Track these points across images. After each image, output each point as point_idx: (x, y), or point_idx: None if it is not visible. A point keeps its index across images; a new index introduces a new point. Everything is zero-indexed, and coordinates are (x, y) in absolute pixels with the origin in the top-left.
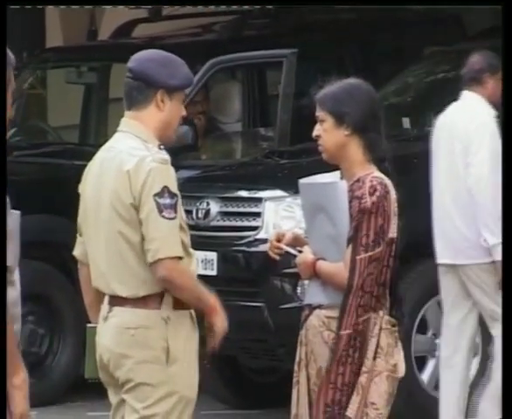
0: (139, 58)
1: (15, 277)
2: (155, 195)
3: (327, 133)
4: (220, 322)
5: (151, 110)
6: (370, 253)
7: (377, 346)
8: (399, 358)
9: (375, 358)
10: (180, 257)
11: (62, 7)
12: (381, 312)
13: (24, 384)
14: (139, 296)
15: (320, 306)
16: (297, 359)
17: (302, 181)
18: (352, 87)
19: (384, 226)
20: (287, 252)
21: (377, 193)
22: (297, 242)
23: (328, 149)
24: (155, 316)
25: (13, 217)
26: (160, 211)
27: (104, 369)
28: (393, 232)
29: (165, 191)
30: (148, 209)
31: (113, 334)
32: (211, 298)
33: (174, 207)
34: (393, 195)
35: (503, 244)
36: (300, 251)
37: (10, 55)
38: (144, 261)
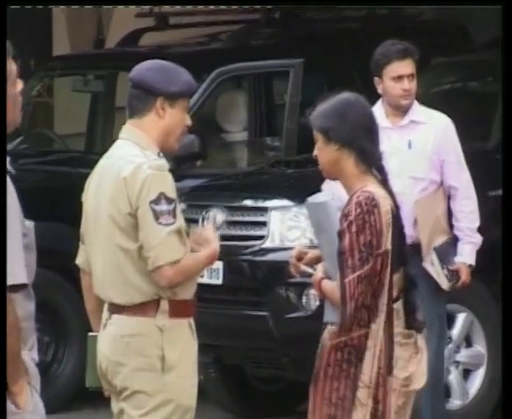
0: (139, 67)
1: (31, 290)
2: (152, 202)
3: (320, 151)
4: (213, 254)
5: (151, 118)
6: (358, 273)
7: (376, 358)
8: (415, 370)
9: (378, 372)
10: (179, 260)
11: (67, 12)
12: (373, 326)
13: (23, 389)
14: (135, 303)
15: (330, 322)
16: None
17: (309, 200)
18: (338, 102)
19: (373, 241)
20: (302, 270)
21: (359, 209)
22: (319, 260)
23: (323, 167)
24: (151, 324)
25: (30, 230)
26: (156, 218)
27: (103, 377)
28: (387, 245)
29: (161, 198)
30: (144, 216)
31: (109, 342)
32: (206, 256)
33: (171, 213)
34: (385, 207)
35: (503, 244)
36: (315, 269)
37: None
38: (140, 269)
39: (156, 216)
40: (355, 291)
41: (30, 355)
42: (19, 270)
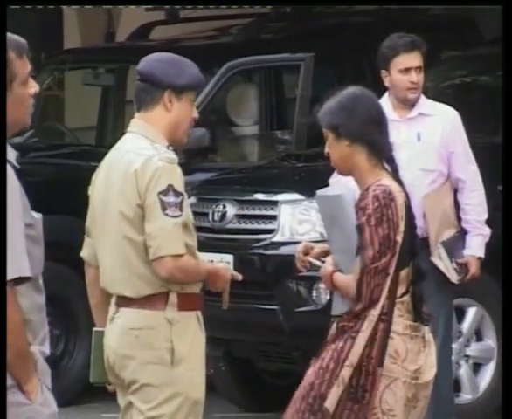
0: (146, 60)
1: (40, 282)
2: (160, 192)
3: (331, 148)
4: (221, 282)
5: (159, 111)
6: (375, 265)
7: (370, 346)
8: (424, 363)
9: (369, 361)
10: (181, 255)
11: (76, 7)
12: (373, 311)
13: (35, 389)
14: (143, 296)
15: (340, 315)
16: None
17: (319, 192)
18: (344, 98)
19: (391, 235)
20: (312, 264)
21: (377, 203)
22: (324, 255)
23: (336, 164)
24: (160, 317)
25: (38, 221)
26: (163, 209)
27: (111, 371)
28: (400, 237)
29: (170, 189)
30: (151, 206)
31: (118, 335)
32: (208, 270)
33: (179, 205)
34: (400, 199)
35: (503, 244)
36: (323, 262)
37: (22, 41)
38: (147, 260)
39: (163, 206)
40: (371, 282)
41: (40, 349)
42: (23, 262)
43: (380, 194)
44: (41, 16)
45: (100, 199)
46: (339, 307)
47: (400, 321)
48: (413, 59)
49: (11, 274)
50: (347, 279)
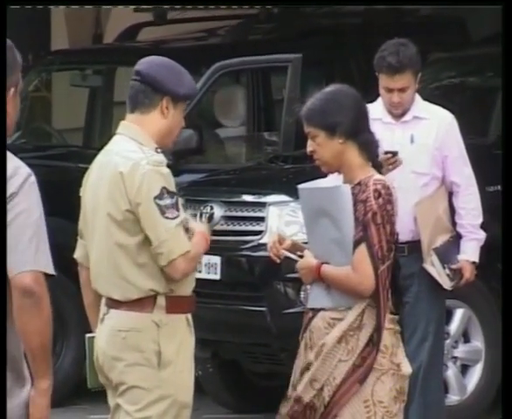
0: (148, 62)
1: None
2: (156, 197)
3: (321, 147)
4: (203, 234)
5: (155, 115)
6: (387, 263)
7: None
8: (403, 357)
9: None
10: (189, 251)
11: (66, 8)
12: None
13: (49, 391)
14: (132, 299)
15: (324, 309)
16: (301, 363)
17: (302, 186)
18: (335, 95)
19: (393, 230)
20: (288, 257)
21: (381, 200)
22: (296, 248)
23: (326, 162)
24: (147, 319)
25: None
26: (162, 213)
27: (100, 371)
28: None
29: (164, 192)
30: (149, 213)
31: (107, 337)
32: (201, 242)
33: (175, 206)
34: (394, 194)
35: (503, 244)
36: (300, 256)
37: (17, 56)
38: (136, 265)
39: (162, 210)
40: (386, 281)
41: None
42: (50, 260)
43: (381, 189)
44: (29, 17)
45: (91, 201)
46: (320, 300)
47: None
48: (395, 82)
49: (49, 269)
50: (341, 271)
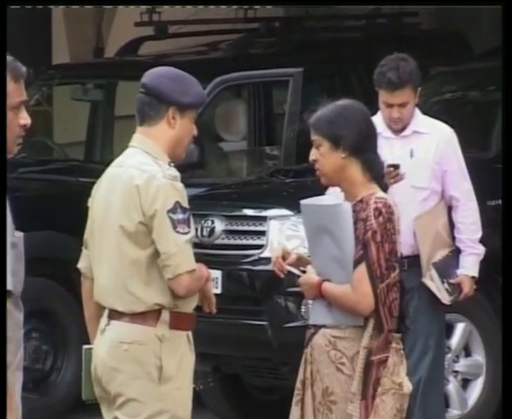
0: (152, 74)
1: (20, 301)
2: (169, 211)
3: (323, 157)
4: (210, 285)
5: (162, 126)
6: (387, 281)
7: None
8: (404, 375)
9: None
10: (195, 270)
11: (66, 19)
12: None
13: None
14: (136, 312)
15: (325, 326)
16: (301, 377)
17: (304, 201)
18: (346, 109)
19: (394, 248)
20: (290, 272)
21: (381, 218)
22: (300, 262)
23: (326, 173)
24: (150, 333)
25: (20, 240)
26: (174, 227)
27: (97, 383)
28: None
29: (177, 207)
30: (162, 226)
31: (107, 348)
32: (204, 272)
33: (187, 222)
34: (397, 213)
35: (503, 245)
36: (303, 271)
37: (20, 66)
38: (144, 279)
39: (174, 224)
40: (386, 300)
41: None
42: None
43: (382, 207)
44: (29, 31)
45: (100, 213)
46: (321, 318)
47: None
48: (395, 98)
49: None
50: (341, 290)
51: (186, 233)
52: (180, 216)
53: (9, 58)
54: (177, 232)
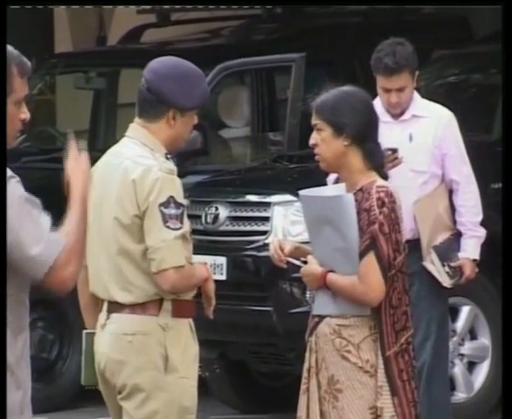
0: (156, 72)
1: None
2: (161, 204)
3: (325, 142)
4: (211, 285)
5: (161, 125)
6: (393, 271)
7: None
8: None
9: None
10: (183, 266)
11: (68, 10)
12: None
13: None
14: (137, 303)
15: (329, 315)
16: (306, 365)
17: (304, 192)
18: (351, 97)
19: (398, 238)
20: (290, 263)
21: (386, 209)
22: (299, 251)
23: (326, 159)
24: (153, 322)
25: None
26: (165, 221)
27: (101, 377)
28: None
29: (171, 201)
30: (153, 218)
31: (110, 341)
32: (203, 272)
33: (179, 217)
34: (398, 201)
35: (503, 245)
36: (304, 262)
37: (26, 62)
38: (142, 270)
39: (165, 219)
40: (389, 289)
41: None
42: None
43: (385, 197)
44: (32, 20)
45: (94, 202)
46: (326, 308)
47: None
48: (393, 83)
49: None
50: (347, 281)
51: (177, 229)
52: (172, 211)
53: (15, 52)
54: (167, 227)
